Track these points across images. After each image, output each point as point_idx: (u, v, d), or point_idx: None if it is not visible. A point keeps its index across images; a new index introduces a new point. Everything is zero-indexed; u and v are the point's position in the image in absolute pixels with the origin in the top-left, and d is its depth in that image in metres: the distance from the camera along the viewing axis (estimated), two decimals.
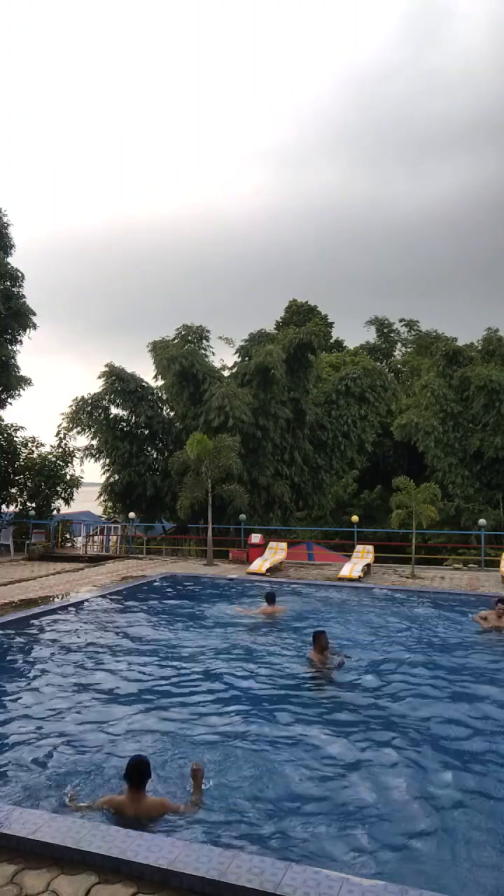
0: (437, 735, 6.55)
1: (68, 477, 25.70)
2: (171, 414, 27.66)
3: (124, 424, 26.70)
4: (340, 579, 16.49)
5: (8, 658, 9.25)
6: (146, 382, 27.01)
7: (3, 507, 25.41)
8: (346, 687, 8.14)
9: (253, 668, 8.87)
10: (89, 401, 25.95)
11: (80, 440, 26.48)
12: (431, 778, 5.59)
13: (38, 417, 30.57)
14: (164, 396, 27.53)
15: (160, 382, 27.14)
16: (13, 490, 25.37)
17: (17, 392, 24.20)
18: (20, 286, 23.98)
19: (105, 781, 5.46)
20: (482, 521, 20.21)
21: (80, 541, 25.28)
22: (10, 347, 23.71)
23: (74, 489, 25.96)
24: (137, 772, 4.73)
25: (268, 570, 17.47)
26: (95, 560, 20.88)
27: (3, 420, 24.98)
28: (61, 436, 26.01)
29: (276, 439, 25.88)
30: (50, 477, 25.15)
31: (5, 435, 24.77)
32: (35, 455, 25.49)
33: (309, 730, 6.63)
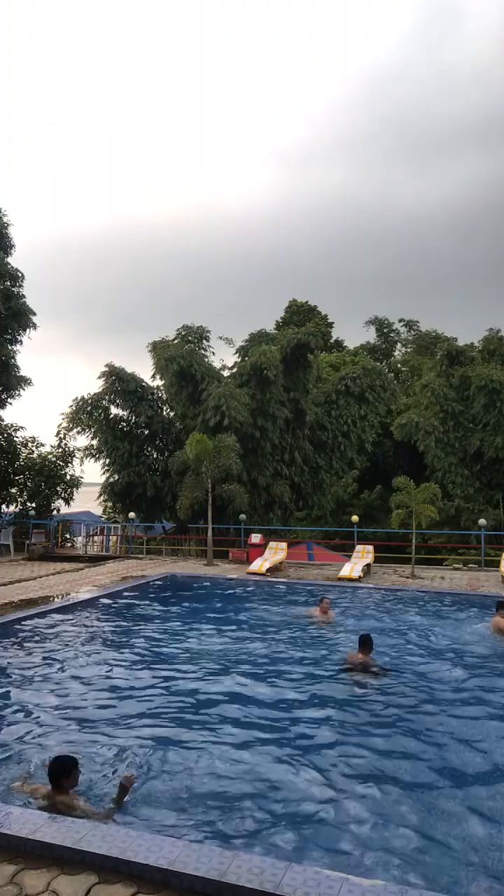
0: (461, 742, 6.44)
1: (68, 477, 25.70)
2: (171, 414, 27.64)
3: (124, 424, 26.68)
4: (340, 579, 16.49)
5: (7, 657, 9.24)
6: (146, 382, 27.02)
7: (3, 507, 25.41)
8: (375, 688, 8.00)
9: (254, 666, 8.87)
10: (89, 401, 25.93)
11: (80, 440, 26.49)
12: (440, 786, 5.57)
13: (39, 417, 30.59)
14: (164, 396, 27.53)
15: (159, 382, 27.16)
16: (13, 490, 25.37)
17: (17, 392, 24.21)
18: (20, 286, 23.99)
19: (102, 780, 5.46)
20: (482, 521, 20.20)
21: (80, 541, 25.28)
22: (10, 347, 23.70)
23: (74, 489, 25.97)
24: (53, 771, 4.85)
25: (268, 570, 17.45)
26: (95, 560, 20.87)
27: (3, 420, 25.00)
28: (61, 436, 26.03)
29: (275, 439, 25.85)
30: (50, 477, 25.16)
31: (5, 435, 24.77)
32: (35, 455, 25.50)
33: (322, 728, 6.66)
